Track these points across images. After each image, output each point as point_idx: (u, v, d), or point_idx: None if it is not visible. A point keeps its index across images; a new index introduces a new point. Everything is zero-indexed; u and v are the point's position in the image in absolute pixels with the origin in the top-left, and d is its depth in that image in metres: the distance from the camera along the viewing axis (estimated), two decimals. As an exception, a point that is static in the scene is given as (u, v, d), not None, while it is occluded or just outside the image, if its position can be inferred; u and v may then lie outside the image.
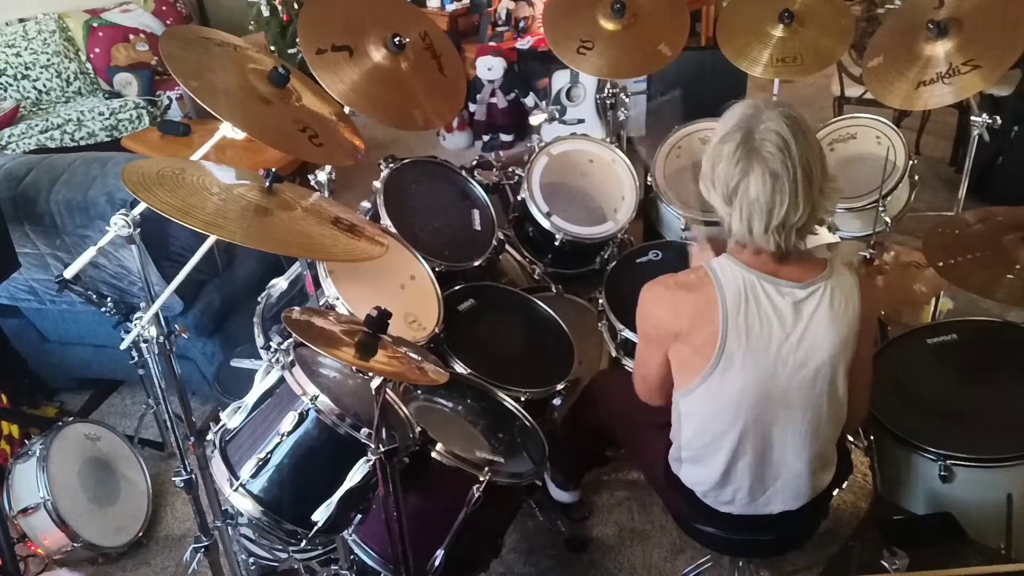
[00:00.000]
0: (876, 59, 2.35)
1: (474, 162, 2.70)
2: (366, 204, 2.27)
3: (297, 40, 2.00)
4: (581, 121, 4.19)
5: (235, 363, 2.34)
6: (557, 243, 2.49)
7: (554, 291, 2.48)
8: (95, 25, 4.55)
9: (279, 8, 4.63)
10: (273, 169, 1.45)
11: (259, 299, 2.11)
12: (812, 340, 1.47)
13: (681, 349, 1.53)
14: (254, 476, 1.46)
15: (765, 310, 1.46)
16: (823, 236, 2.51)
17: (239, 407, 1.54)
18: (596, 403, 2.03)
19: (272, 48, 4.62)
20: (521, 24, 4.73)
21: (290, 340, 1.54)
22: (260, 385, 1.56)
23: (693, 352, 1.51)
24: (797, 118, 1.41)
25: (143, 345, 1.60)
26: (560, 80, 4.21)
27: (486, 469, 1.71)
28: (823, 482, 1.65)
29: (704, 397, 1.53)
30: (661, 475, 1.75)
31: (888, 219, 2.45)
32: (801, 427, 1.54)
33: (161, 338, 1.60)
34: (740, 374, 1.48)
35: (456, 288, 2.26)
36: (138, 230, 1.53)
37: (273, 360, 1.55)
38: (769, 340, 1.46)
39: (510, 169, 2.68)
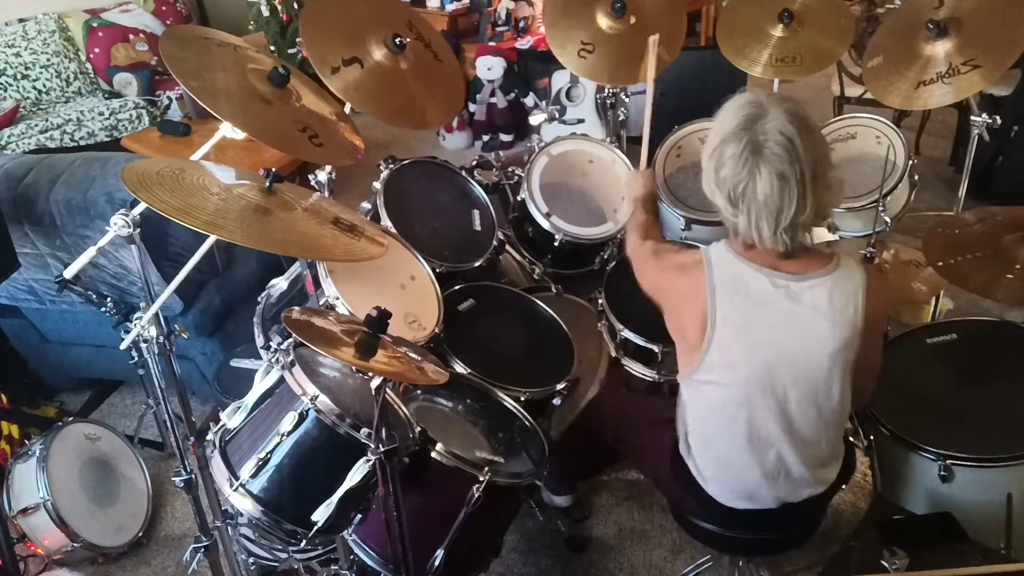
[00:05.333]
0: (876, 59, 2.35)
1: (474, 162, 2.70)
2: (366, 204, 2.27)
3: (298, 40, 2.01)
4: (581, 121, 4.19)
5: (235, 363, 2.34)
6: (557, 243, 2.48)
7: (554, 291, 2.48)
8: (95, 25, 4.55)
9: (279, 8, 4.63)
10: (273, 169, 1.45)
11: (259, 299, 2.11)
12: (809, 334, 1.46)
13: (673, 327, 1.57)
14: (254, 476, 1.46)
15: (757, 301, 1.45)
16: (822, 235, 2.51)
17: (239, 407, 1.54)
18: (600, 411, 2.04)
19: (272, 48, 4.62)
20: (521, 24, 4.73)
21: (290, 340, 1.54)
22: (260, 385, 1.56)
23: (681, 335, 1.53)
24: (802, 114, 1.39)
25: (143, 345, 1.61)
26: (560, 80, 4.21)
27: (486, 469, 1.71)
28: (825, 477, 1.65)
29: (701, 384, 1.55)
30: (668, 467, 1.74)
31: (888, 219, 2.45)
32: (798, 419, 1.54)
33: (161, 338, 1.60)
34: (732, 363, 1.48)
35: (456, 288, 2.26)
36: (138, 230, 1.53)
37: (273, 360, 1.55)
38: (759, 331, 1.46)
39: (510, 169, 2.68)
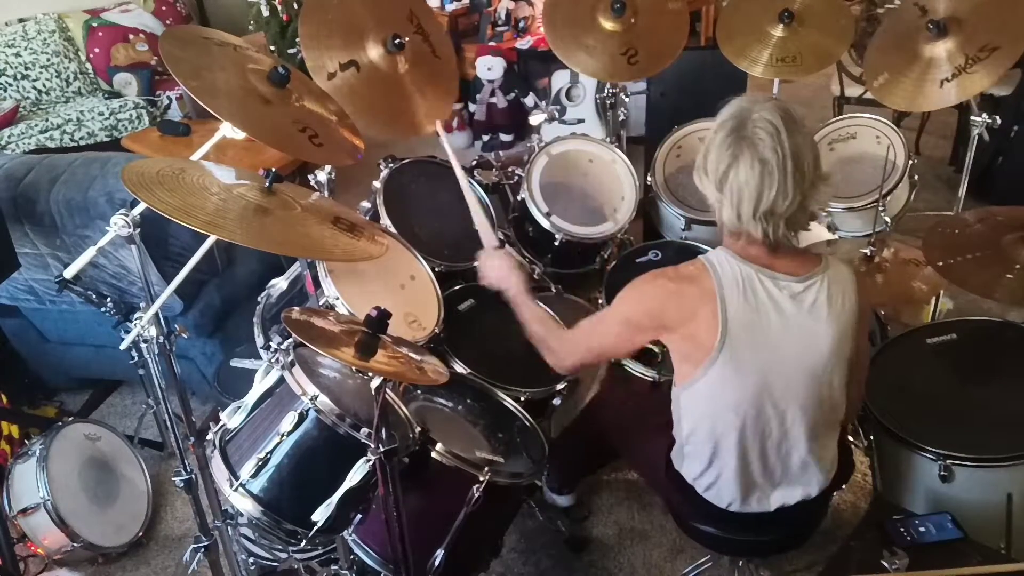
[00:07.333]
0: (881, 76, 2.32)
1: (474, 162, 2.70)
2: (366, 204, 2.27)
3: (297, 40, 2.01)
4: (581, 121, 4.19)
5: (235, 363, 2.34)
6: (557, 243, 2.48)
7: (554, 291, 2.48)
8: (95, 25, 4.55)
9: (279, 8, 4.62)
10: (273, 169, 1.45)
11: (259, 299, 2.10)
12: (811, 334, 1.49)
13: (679, 341, 1.54)
14: (254, 476, 1.46)
15: (763, 303, 1.47)
16: (821, 234, 2.51)
17: (239, 407, 1.54)
18: (598, 413, 2.04)
19: (272, 48, 4.62)
20: (521, 24, 4.73)
21: (290, 340, 1.54)
22: (260, 385, 1.56)
23: (694, 345, 1.51)
24: (790, 110, 1.44)
25: (143, 345, 1.61)
26: (560, 80, 4.20)
27: (486, 469, 1.71)
28: (824, 480, 1.65)
29: (705, 390, 1.54)
30: (663, 474, 1.75)
31: (888, 219, 2.45)
32: (801, 421, 1.54)
33: (161, 338, 1.60)
34: (741, 367, 1.49)
35: (456, 288, 2.25)
36: (138, 230, 1.53)
37: (273, 360, 1.55)
38: (768, 333, 1.48)
39: (510, 169, 2.68)
